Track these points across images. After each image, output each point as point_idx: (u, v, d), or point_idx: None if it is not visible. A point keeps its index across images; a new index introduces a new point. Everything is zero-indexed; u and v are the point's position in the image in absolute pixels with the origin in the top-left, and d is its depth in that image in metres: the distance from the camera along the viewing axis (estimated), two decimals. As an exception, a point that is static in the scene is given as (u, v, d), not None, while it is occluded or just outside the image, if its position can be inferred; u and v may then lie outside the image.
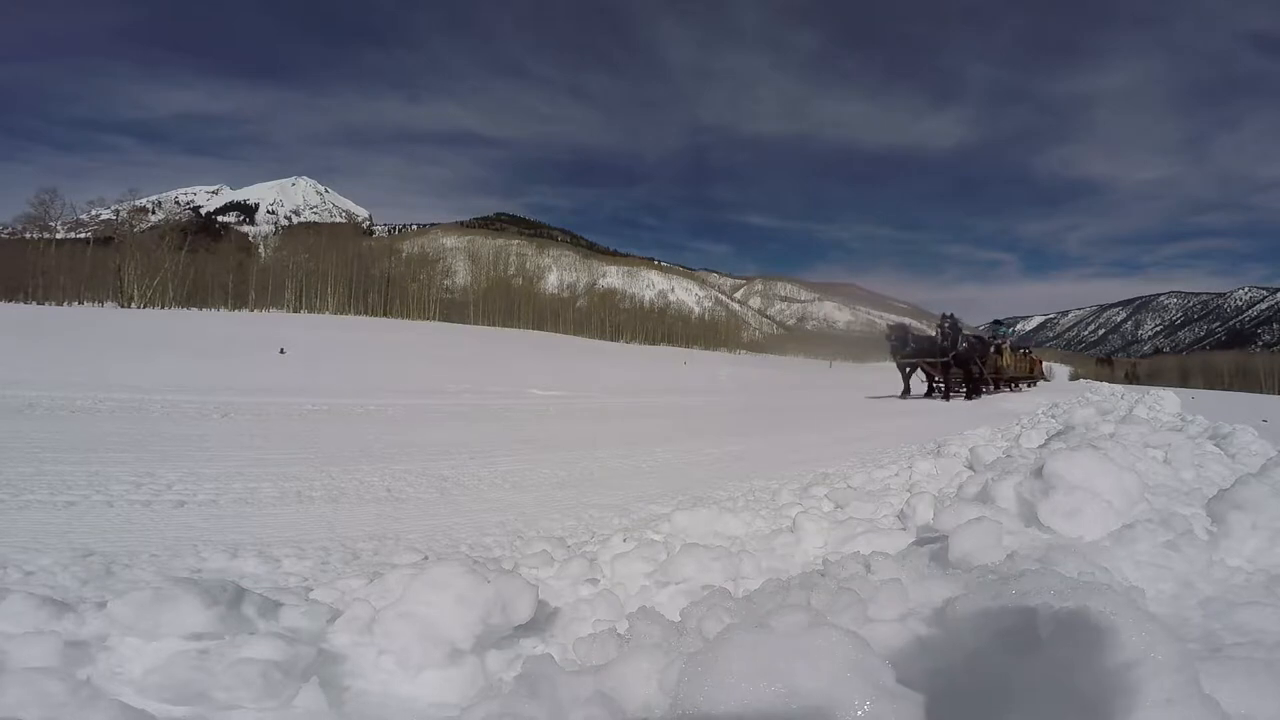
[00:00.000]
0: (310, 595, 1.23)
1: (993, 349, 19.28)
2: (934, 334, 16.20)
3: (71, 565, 1.45)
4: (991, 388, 18.19)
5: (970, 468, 3.01)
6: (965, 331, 16.69)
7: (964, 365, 15.74)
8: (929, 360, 15.67)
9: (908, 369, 16.05)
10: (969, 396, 15.98)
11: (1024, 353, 26.46)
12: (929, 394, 16.11)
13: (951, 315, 15.96)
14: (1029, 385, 29.59)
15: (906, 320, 17.04)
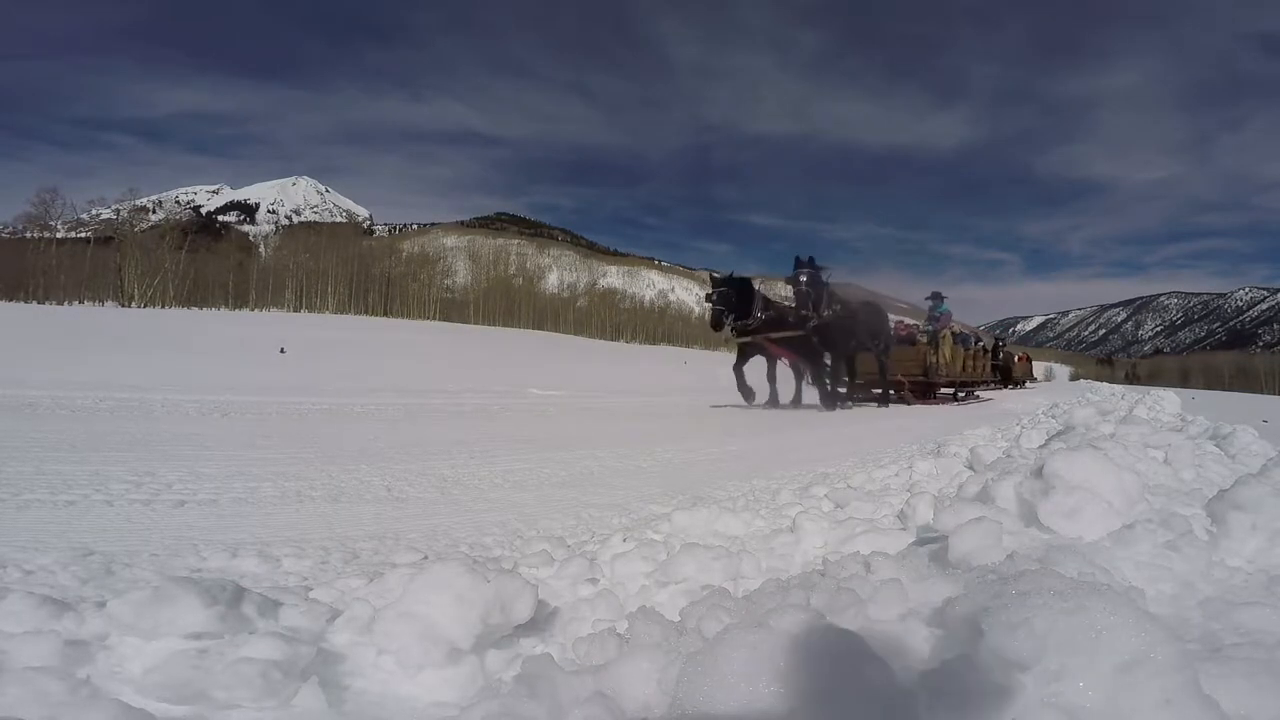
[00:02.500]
0: (310, 595, 1.23)
1: (925, 338, 12.79)
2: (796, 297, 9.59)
3: (71, 564, 1.44)
4: (911, 394, 11.84)
5: (970, 468, 3.01)
6: (844, 295, 10.02)
7: (834, 346, 9.40)
8: (775, 337, 9.00)
9: (750, 352, 9.39)
10: (882, 401, 10.49)
11: (987, 348, 18.14)
12: (798, 399, 9.47)
13: (810, 260, 9.37)
14: (1014, 386, 23.71)
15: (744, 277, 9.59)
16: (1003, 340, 26.65)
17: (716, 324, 9.23)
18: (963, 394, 14.80)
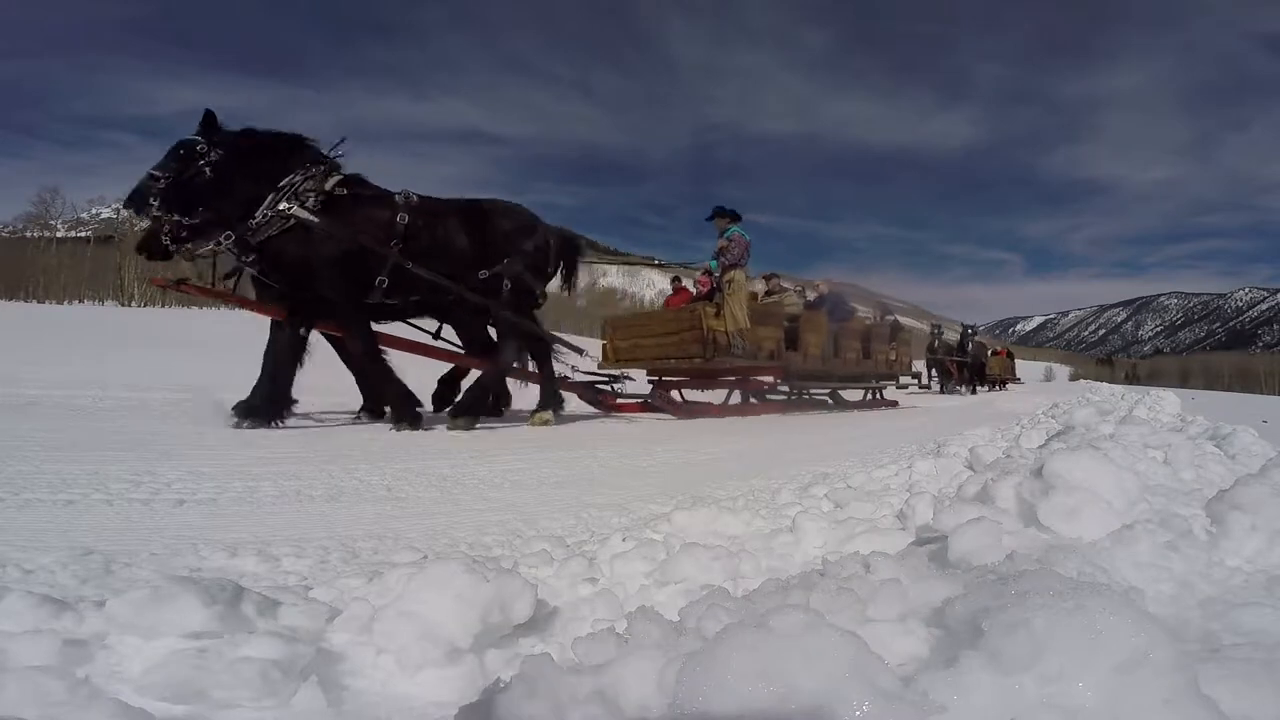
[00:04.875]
0: (309, 594, 1.23)
1: (714, 285, 7.29)
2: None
3: (71, 564, 1.44)
4: (667, 396, 7.08)
5: (970, 468, 3.01)
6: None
7: (320, 291, 4.43)
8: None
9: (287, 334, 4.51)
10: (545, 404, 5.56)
11: (899, 326, 11.00)
12: (412, 413, 4.82)
13: (209, 119, 4.33)
14: (993, 387, 20.37)
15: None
16: (973, 330, 21.27)
17: (151, 247, 4.41)
18: (862, 394, 9.49)
